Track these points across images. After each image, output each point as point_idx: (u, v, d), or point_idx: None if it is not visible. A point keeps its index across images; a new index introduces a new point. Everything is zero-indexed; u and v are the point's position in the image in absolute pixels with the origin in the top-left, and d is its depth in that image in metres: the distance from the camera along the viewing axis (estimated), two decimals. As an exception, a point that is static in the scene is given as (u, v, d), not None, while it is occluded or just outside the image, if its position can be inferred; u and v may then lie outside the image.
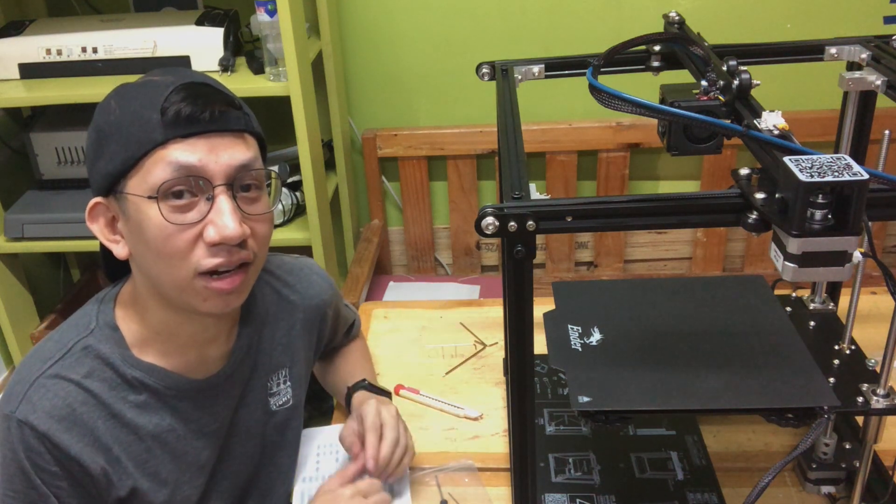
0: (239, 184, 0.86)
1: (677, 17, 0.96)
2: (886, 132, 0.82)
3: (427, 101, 2.22)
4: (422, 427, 1.18)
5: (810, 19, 2.02)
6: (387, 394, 1.16)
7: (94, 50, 1.80)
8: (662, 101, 0.74)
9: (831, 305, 1.03)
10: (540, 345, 0.78)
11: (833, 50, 0.95)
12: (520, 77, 0.99)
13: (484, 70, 1.01)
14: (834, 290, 1.06)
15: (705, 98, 0.74)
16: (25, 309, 2.04)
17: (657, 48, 0.96)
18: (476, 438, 1.17)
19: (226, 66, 1.77)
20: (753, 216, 0.64)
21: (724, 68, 0.76)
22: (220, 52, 1.78)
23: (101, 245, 0.91)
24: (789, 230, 0.60)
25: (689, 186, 2.25)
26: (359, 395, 1.13)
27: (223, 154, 0.84)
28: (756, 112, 0.71)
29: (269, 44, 1.69)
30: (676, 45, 0.92)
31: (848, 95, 0.95)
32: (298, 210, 1.92)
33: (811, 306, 1.03)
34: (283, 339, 1.08)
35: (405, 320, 1.46)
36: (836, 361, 0.91)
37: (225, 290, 0.86)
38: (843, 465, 0.99)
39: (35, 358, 0.91)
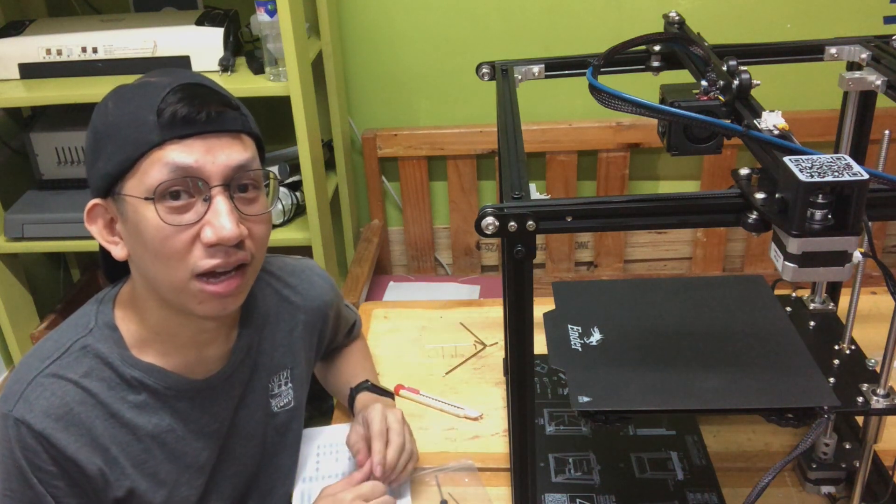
0: (236, 184, 0.86)
1: (677, 17, 0.96)
2: (886, 132, 0.82)
3: (427, 101, 2.22)
4: (422, 427, 1.18)
5: (810, 19, 2.02)
6: (389, 394, 1.16)
7: (94, 50, 1.80)
8: (662, 101, 0.74)
9: (831, 305, 1.03)
10: (540, 345, 0.78)
11: (833, 50, 0.95)
12: (520, 77, 0.99)
13: (484, 70, 1.01)
14: (834, 290, 1.06)
15: (705, 98, 0.74)
16: (25, 309, 2.04)
17: (657, 48, 0.96)
18: (476, 438, 1.17)
19: (226, 66, 1.77)
20: (753, 216, 0.64)
21: (724, 68, 0.76)
22: (220, 52, 1.78)
23: (101, 246, 0.91)
24: (789, 230, 0.60)
25: (689, 186, 2.25)
26: (362, 397, 1.13)
27: (220, 155, 0.84)
28: (756, 112, 0.71)
29: (269, 44, 1.69)
30: (676, 45, 0.92)
31: (848, 95, 0.95)
32: (298, 210, 1.92)
33: (811, 306, 1.03)
34: (285, 341, 1.07)
35: (405, 320, 1.46)
36: (836, 361, 0.91)
37: (221, 293, 0.86)
38: (843, 465, 0.99)
39: (33, 357, 0.91)
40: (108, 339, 0.91)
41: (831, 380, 0.88)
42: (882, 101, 0.91)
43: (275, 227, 1.88)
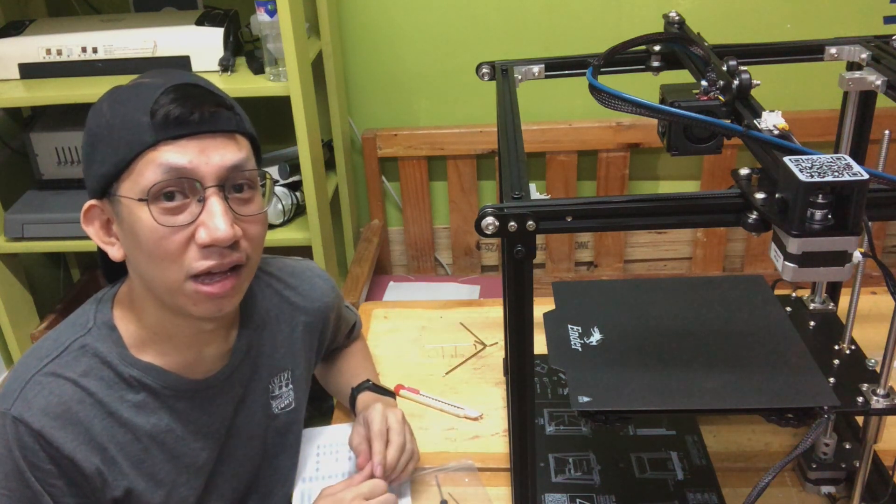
0: (231, 184, 0.86)
1: (677, 17, 0.96)
2: (886, 132, 0.82)
3: (427, 101, 2.22)
4: (422, 427, 1.18)
5: (810, 19, 2.02)
6: (390, 394, 1.16)
7: (94, 50, 1.80)
8: (662, 101, 0.74)
9: (831, 305, 1.03)
10: (540, 345, 0.78)
11: (833, 50, 0.95)
12: (520, 77, 0.99)
13: (484, 70, 1.01)
14: (834, 290, 1.06)
15: (705, 98, 0.74)
16: (25, 309, 2.04)
17: (657, 48, 0.96)
18: (476, 438, 1.17)
19: (226, 66, 1.77)
20: (753, 216, 0.64)
21: (724, 68, 0.76)
22: (220, 52, 1.78)
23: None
24: (789, 230, 0.60)
25: (689, 186, 2.25)
26: (364, 397, 1.13)
27: (214, 155, 0.84)
28: (756, 112, 0.71)
29: (269, 44, 1.69)
30: (676, 45, 0.92)
31: (848, 95, 0.95)
32: (298, 210, 1.92)
33: (811, 306, 1.03)
34: (286, 342, 1.07)
35: (405, 320, 1.46)
36: (836, 361, 0.91)
37: (216, 294, 0.86)
38: (843, 465, 0.99)
39: (32, 356, 0.91)
40: (107, 338, 0.91)
41: (831, 380, 0.87)
42: (882, 101, 0.91)
43: (275, 227, 1.89)
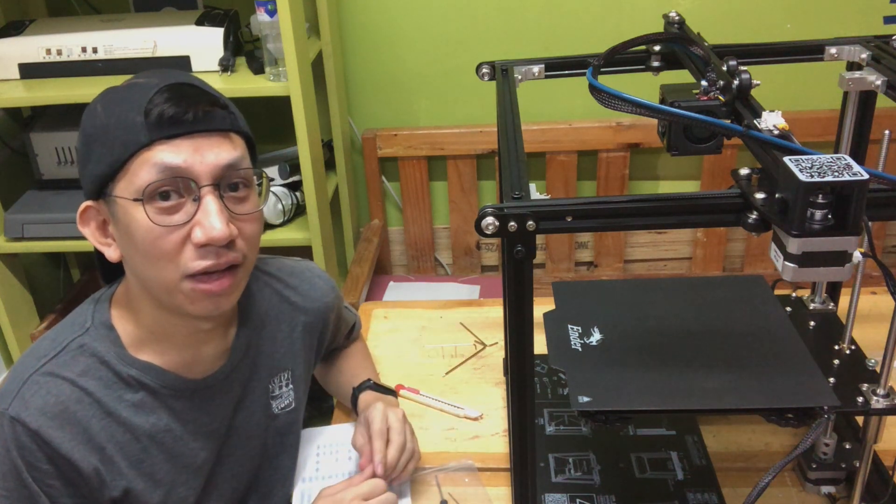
0: (226, 183, 0.86)
1: (677, 17, 0.96)
2: (886, 132, 0.82)
3: (427, 101, 2.22)
4: (422, 427, 1.18)
5: (810, 19, 2.02)
6: (392, 393, 1.16)
7: (94, 50, 1.80)
8: (662, 101, 0.74)
9: (831, 305, 1.03)
10: (540, 345, 0.78)
11: (833, 50, 0.95)
12: (520, 77, 0.99)
13: (484, 70, 1.01)
14: (834, 290, 1.06)
15: (705, 98, 0.74)
16: (25, 309, 2.04)
17: (657, 48, 0.96)
18: (476, 438, 1.17)
19: (226, 66, 1.77)
20: (753, 216, 0.64)
21: (724, 68, 0.76)
22: (220, 52, 1.78)
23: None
24: (789, 230, 0.60)
25: (689, 186, 2.25)
26: (365, 396, 1.13)
27: (208, 154, 0.84)
28: (756, 112, 0.71)
29: (269, 44, 1.69)
30: (676, 45, 0.92)
31: (848, 95, 0.95)
32: (298, 210, 1.92)
33: (811, 306, 1.03)
34: (285, 341, 1.07)
35: (405, 320, 1.46)
36: (836, 361, 0.91)
37: (213, 291, 0.86)
38: (843, 465, 0.99)
39: (30, 356, 0.91)
40: (105, 338, 0.91)
41: (831, 380, 0.88)
42: (882, 101, 0.91)
43: (275, 227, 1.89)
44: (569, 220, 0.68)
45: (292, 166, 1.91)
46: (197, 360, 0.96)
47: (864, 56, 0.93)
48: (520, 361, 0.75)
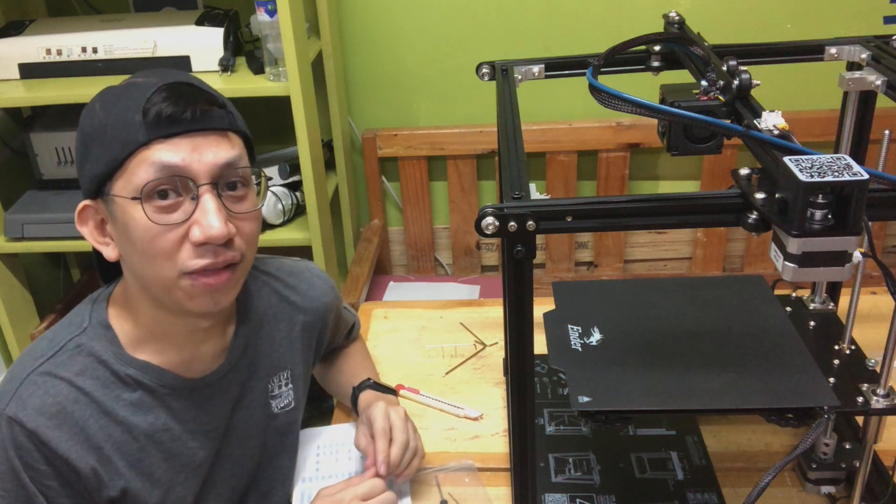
0: (224, 182, 0.86)
1: (677, 17, 0.96)
2: (886, 132, 0.82)
3: (427, 101, 2.22)
4: (422, 427, 1.18)
5: (810, 19, 2.02)
6: (392, 392, 1.16)
7: (94, 50, 1.80)
8: (662, 101, 0.74)
9: (831, 305, 1.03)
10: (540, 345, 0.78)
11: (833, 50, 0.95)
12: (520, 77, 0.99)
13: (484, 70, 1.01)
14: (834, 290, 1.06)
15: (705, 98, 0.74)
16: (25, 309, 2.04)
17: (657, 48, 0.96)
18: (476, 438, 1.17)
19: (226, 66, 1.77)
20: (753, 216, 0.64)
21: (724, 68, 0.76)
22: (220, 52, 1.78)
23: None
24: (789, 230, 0.60)
25: (689, 186, 2.25)
26: (366, 396, 1.13)
27: (207, 153, 0.84)
28: (756, 112, 0.71)
29: (269, 44, 1.69)
30: (676, 45, 0.92)
31: (848, 95, 0.95)
32: (298, 210, 1.92)
33: (811, 306, 1.03)
34: (284, 341, 1.07)
35: (405, 320, 1.46)
36: (836, 361, 0.91)
37: (212, 285, 0.86)
38: (843, 465, 0.99)
39: (27, 356, 0.91)
40: (102, 337, 0.91)
41: (831, 380, 0.88)
42: (882, 101, 0.90)
43: (275, 227, 1.89)
44: (569, 220, 0.68)
45: (292, 166, 1.91)
46: (195, 359, 0.96)
47: (864, 56, 0.93)
48: (520, 361, 0.75)
